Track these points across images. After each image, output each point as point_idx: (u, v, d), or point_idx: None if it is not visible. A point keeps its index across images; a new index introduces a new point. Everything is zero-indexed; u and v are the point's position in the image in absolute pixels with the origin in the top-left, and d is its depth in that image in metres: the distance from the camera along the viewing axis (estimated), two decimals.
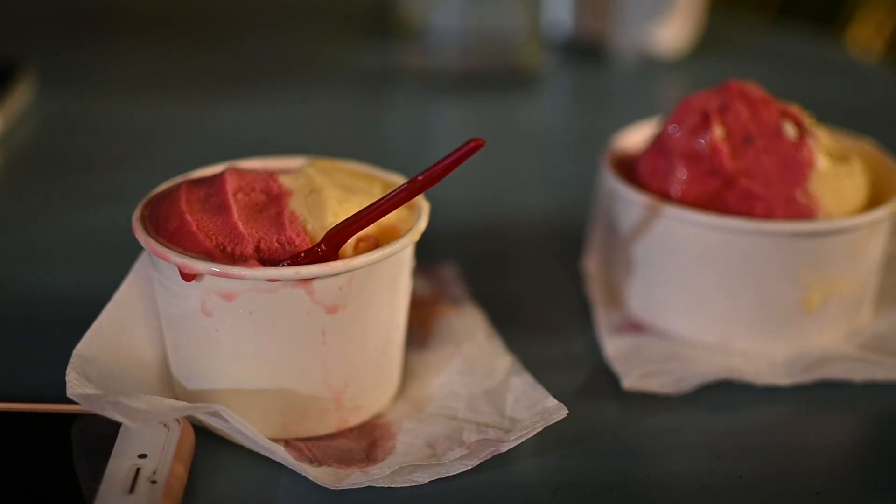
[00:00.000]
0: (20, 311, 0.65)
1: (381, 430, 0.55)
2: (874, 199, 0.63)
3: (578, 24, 1.12)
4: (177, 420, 0.52)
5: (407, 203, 0.54)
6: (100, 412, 0.48)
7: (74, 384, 0.51)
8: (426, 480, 0.51)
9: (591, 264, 0.69)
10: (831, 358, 0.60)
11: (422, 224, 0.55)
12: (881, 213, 0.60)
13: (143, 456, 0.50)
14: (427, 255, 0.65)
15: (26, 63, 0.99)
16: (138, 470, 0.49)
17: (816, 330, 0.62)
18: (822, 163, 0.61)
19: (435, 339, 0.61)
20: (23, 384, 0.57)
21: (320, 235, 0.53)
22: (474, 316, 0.63)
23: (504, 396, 0.56)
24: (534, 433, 0.53)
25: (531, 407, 0.55)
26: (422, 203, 0.56)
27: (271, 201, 0.54)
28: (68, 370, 0.52)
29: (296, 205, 0.54)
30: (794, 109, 0.63)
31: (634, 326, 0.64)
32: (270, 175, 0.56)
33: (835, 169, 0.61)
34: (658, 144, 0.64)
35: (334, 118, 0.99)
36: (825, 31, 1.41)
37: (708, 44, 1.14)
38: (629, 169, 0.66)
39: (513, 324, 0.64)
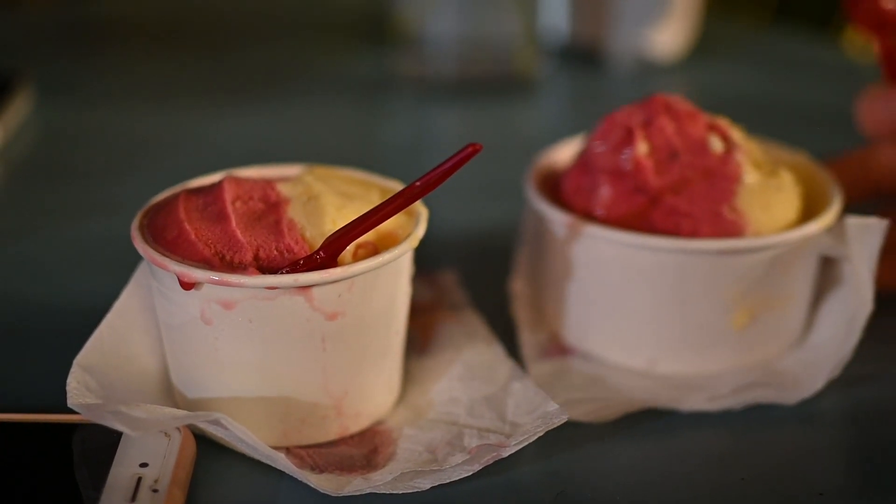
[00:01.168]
0: (20, 322, 0.65)
1: (381, 436, 0.55)
2: (809, 213, 0.61)
3: (574, 30, 1.12)
4: (177, 428, 0.52)
5: (405, 209, 0.54)
6: (100, 421, 0.48)
7: (75, 394, 0.51)
8: (428, 486, 0.51)
9: (518, 285, 0.66)
10: (759, 381, 0.58)
11: (420, 230, 0.55)
12: (812, 228, 0.58)
13: (144, 465, 0.50)
14: (426, 261, 0.65)
15: (25, 74, 0.99)
16: (140, 479, 0.49)
17: (746, 349, 0.60)
18: (749, 177, 0.59)
19: (434, 346, 0.61)
20: (23, 395, 0.57)
21: (319, 242, 0.53)
22: (474, 321, 0.63)
23: (505, 402, 0.56)
24: (535, 437, 0.53)
25: (532, 411, 0.55)
26: (420, 209, 0.56)
27: (269, 209, 0.54)
28: (69, 380, 0.52)
29: (294, 212, 0.54)
30: (723, 123, 0.61)
31: (561, 349, 0.62)
32: (268, 183, 0.56)
33: (764, 183, 0.59)
34: (582, 161, 0.62)
35: (332, 127, 0.99)
36: (821, 34, 1.41)
37: (704, 47, 1.14)
38: (557, 186, 0.64)
39: (513, 330, 0.64)
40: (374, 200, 0.56)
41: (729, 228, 0.58)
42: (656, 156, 0.60)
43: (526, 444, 0.53)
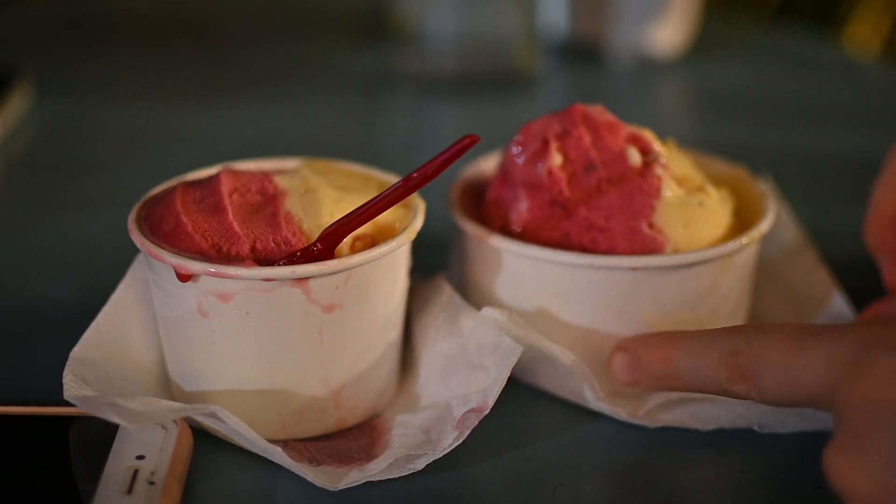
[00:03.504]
0: (17, 316, 0.65)
1: (378, 428, 0.55)
2: (742, 229, 0.58)
3: (574, 26, 1.12)
4: (174, 421, 0.52)
5: (403, 202, 0.54)
6: (97, 414, 0.48)
7: (71, 386, 0.51)
8: (422, 466, 0.51)
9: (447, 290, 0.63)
10: (675, 399, 0.56)
11: (418, 223, 0.55)
12: (732, 245, 0.56)
13: (140, 457, 0.50)
14: (424, 255, 0.64)
15: (23, 70, 0.99)
16: (136, 471, 0.49)
17: None
18: (669, 192, 0.57)
19: (417, 325, 0.60)
20: (20, 387, 0.57)
21: (316, 235, 0.53)
22: (435, 282, 0.61)
23: (469, 347, 0.55)
24: (503, 384, 0.52)
25: (493, 351, 0.54)
26: (418, 202, 0.56)
27: (267, 202, 0.54)
28: (65, 372, 0.52)
29: (291, 205, 0.54)
30: (645, 135, 0.59)
31: None
32: (266, 176, 0.56)
33: (685, 199, 0.57)
34: (502, 172, 0.60)
35: (331, 123, 0.99)
36: (822, 30, 1.41)
37: (704, 44, 1.14)
38: (482, 197, 0.62)
39: None
40: (372, 193, 0.55)
41: (647, 245, 0.56)
42: (571, 168, 0.58)
43: (498, 394, 0.52)
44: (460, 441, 0.51)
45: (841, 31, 1.48)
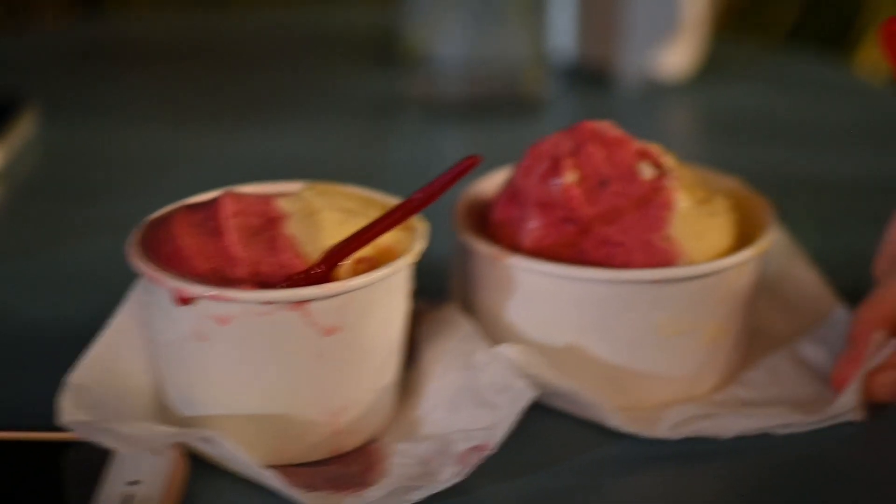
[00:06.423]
0: (15, 339, 0.65)
1: (375, 453, 0.54)
2: (743, 239, 0.59)
3: (582, 50, 1.11)
4: (169, 446, 0.51)
5: (406, 224, 0.53)
6: (92, 438, 0.48)
7: (67, 411, 0.51)
8: (418, 499, 0.50)
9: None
10: (699, 414, 0.56)
11: (420, 245, 0.54)
12: (746, 254, 0.57)
13: (135, 483, 0.49)
14: (425, 279, 0.64)
15: (30, 95, 0.99)
16: (130, 497, 0.48)
17: (682, 381, 0.58)
18: (682, 204, 0.57)
19: (420, 350, 0.59)
20: (15, 412, 0.57)
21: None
22: (448, 310, 0.61)
23: (479, 381, 0.55)
24: (511, 426, 0.52)
25: (504, 390, 0.54)
26: (421, 224, 0.56)
27: (268, 224, 0.54)
28: (61, 397, 0.51)
29: (293, 228, 0.53)
30: (654, 149, 0.59)
31: None
32: (268, 199, 0.55)
33: (696, 210, 0.58)
34: (509, 192, 0.60)
35: (340, 147, 0.99)
36: (833, 54, 1.41)
37: (714, 67, 1.14)
38: (484, 217, 0.62)
39: None
40: (375, 216, 0.55)
41: (662, 257, 0.56)
42: (585, 184, 0.58)
43: (504, 435, 0.52)
44: (459, 478, 0.51)
45: (852, 54, 1.48)
